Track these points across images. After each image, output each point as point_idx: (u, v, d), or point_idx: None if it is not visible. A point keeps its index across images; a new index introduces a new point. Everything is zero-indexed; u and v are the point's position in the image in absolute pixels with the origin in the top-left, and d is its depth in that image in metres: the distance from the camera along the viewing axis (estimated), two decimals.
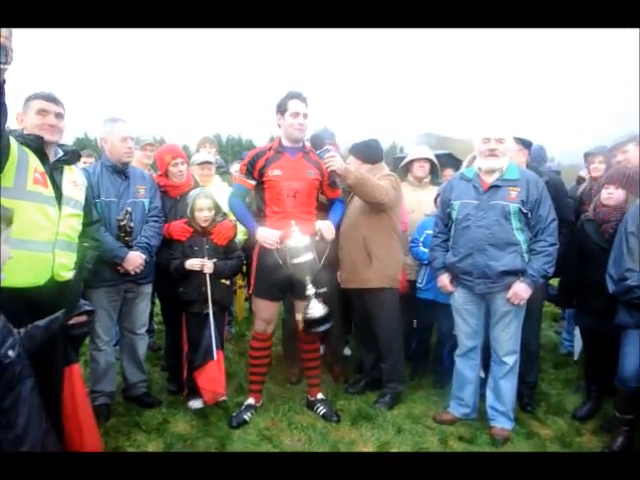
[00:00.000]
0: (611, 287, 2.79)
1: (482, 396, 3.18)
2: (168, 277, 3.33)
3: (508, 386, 3.01)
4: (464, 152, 4.01)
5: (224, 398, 3.26)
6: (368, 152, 3.46)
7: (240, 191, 3.19)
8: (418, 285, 3.76)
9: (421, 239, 3.71)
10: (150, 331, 4.26)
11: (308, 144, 3.23)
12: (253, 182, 3.11)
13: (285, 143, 3.10)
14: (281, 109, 3.05)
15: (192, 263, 3.19)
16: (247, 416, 3.14)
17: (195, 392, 3.31)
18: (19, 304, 2.14)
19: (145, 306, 3.41)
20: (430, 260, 3.36)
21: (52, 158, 2.50)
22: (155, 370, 3.97)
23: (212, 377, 3.12)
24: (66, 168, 2.58)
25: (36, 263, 2.32)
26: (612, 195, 3.02)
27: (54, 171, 2.48)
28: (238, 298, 5.07)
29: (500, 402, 3.02)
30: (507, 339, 2.96)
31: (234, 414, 3.16)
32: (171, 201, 3.46)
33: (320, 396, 3.33)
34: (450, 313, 3.21)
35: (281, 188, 3.03)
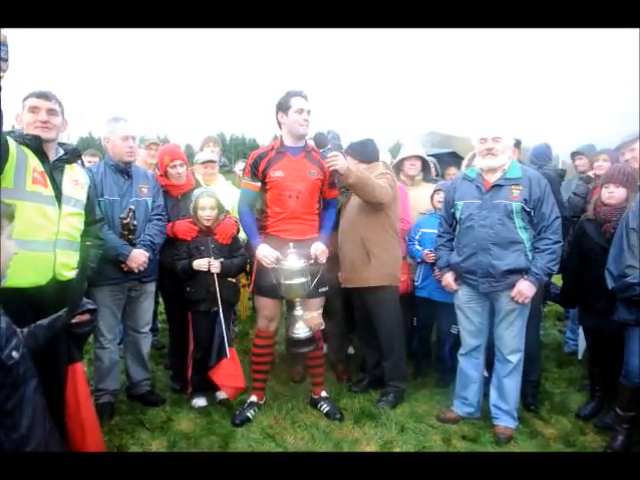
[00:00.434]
0: (610, 283, 2.78)
1: (485, 395, 3.18)
2: (172, 276, 3.34)
3: (512, 385, 3.01)
4: (468, 150, 4.00)
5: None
6: (364, 151, 3.47)
7: (248, 196, 3.18)
8: (415, 283, 3.76)
9: (417, 237, 3.71)
10: (154, 330, 4.28)
11: (310, 142, 3.22)
12: (259, 184, 3.11)
13: (287, 143, 3.09)
14: (283, 107, 3.04)
15: (199, 263, 3.20)
16: (250, 414, 3.15)
17: (199, 390, 3.33)
18: (22, 304, 2.15)
19: (149, 304, 3.42)
20: (436, 259, 3.35)
21: (52, 157, 2.49)
22: (159, 368, 3.98)
23: (230, 374, 3.16)
24: (67, 167, 2.57)
25: (37, 263, 2.33)
26: (613, 194, 2.99)
27: (54, 170, 2.47)
28: (242, 297, 5.07)
29: (504, 401, 3.01)
30: (511, 337, 2.96)
31: (237, 412, 3.17)
32: (172, 200, 3.47)
33: (323, 394, 3.33)
34: (448, 311, 3.20)
35: (283, 189, 3.03)
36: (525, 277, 2.85)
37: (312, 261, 3.00)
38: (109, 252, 2.97)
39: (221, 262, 3.23)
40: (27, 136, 2.38)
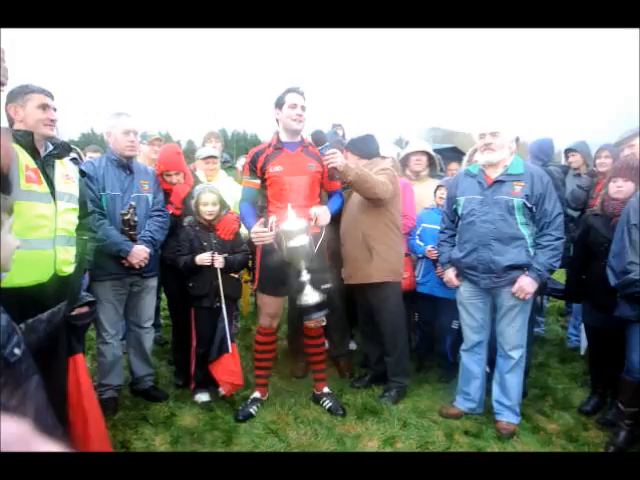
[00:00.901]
0: (612, 280, 2.76)
1: (487, 390, 3.18)
2: (174, 273, 3.34)
3: (514, 380, 3.01)
4: (470, 146, 3.98)
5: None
6: (364, 147, 3.47)
7: (249, 194, 3.18)
8: (416, 279, 3.76)
9: (418, 232, 3.70)
10: (156, 325, 4.29)
11: (308, 138, 3.22)
12: (258, 181, 3.11)
13: (283, 138, 3.09)
14: (279, 103, 3.06)
15: (202, 258, 3.20)
16: (253, 410, 3.16)
17: (202, 386, 3.34)
18: (24, 302, 2.14)
19: (151, 299, 3.43)
20: (438, 255, 3.35)
21: (42, 153, 2.46)
22: (162, 364, 4.00)
23: (229, 369, 3.17)
24: (57, 162, 2.54)
25: (39, 261, 2.33)
26: (621, 188, 2.98)
27: (46, 166, 2.44)
28: (244, 293, 5.08)
29: (506, 396, 3.01)
30: (513, 333, 2.95)
31: (240, 408, 3.18)
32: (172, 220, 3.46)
33: (326, 390, 3.34)
34: (449, 307, 3.19)
35: (283, 183, 3.02)
36: (526, 273, 2.85)
37: (312, 222, 2.93)
38: (111, 248, 2.98)
39: (225, 257, 3.24)
40: (18, 132, 2.34)
